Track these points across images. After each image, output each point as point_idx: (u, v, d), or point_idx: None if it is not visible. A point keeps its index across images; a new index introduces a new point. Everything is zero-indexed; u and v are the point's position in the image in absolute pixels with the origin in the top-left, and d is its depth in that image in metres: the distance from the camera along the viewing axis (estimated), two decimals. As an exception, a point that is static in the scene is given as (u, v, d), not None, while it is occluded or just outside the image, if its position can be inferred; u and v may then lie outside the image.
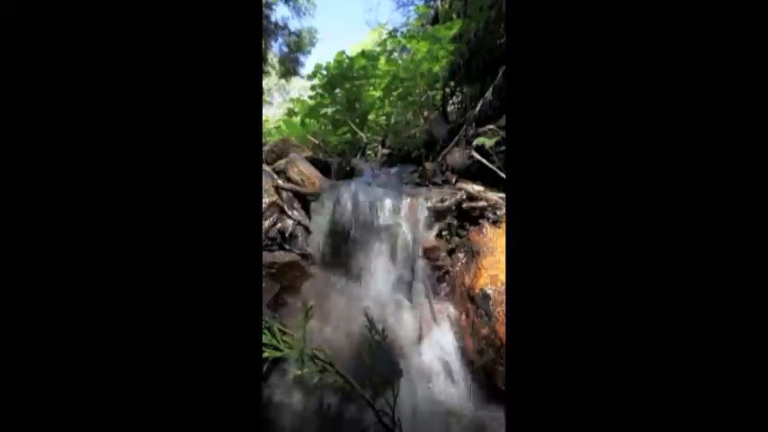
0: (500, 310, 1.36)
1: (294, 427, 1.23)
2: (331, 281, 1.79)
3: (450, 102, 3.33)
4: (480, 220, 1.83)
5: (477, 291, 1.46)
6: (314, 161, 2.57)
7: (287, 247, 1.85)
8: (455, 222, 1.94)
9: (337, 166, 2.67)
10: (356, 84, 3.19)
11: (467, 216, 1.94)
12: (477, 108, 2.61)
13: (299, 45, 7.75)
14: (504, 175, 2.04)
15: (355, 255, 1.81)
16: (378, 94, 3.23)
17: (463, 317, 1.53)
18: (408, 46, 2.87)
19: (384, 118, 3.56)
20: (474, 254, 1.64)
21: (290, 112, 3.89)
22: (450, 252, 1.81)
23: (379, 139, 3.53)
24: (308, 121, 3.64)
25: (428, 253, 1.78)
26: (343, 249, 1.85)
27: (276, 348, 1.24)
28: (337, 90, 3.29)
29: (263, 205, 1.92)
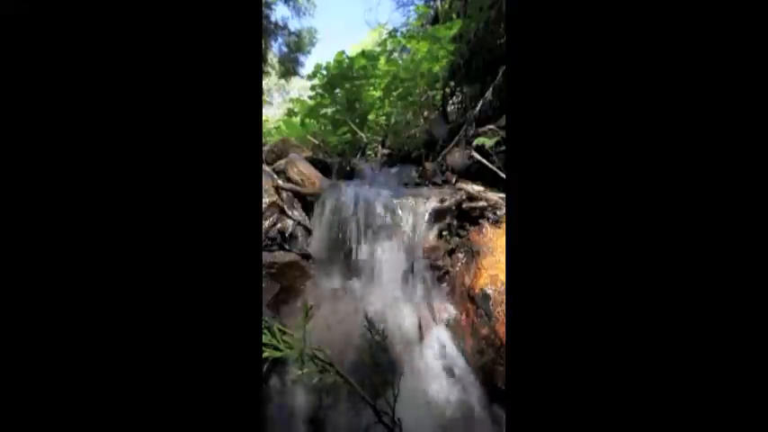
0: (500, 310, 1.36)
1: (294, 427, 1.23)
2: (331, 281, 1.79)
3: (450, 102, 3.33)
4: (480, 220, 1.83)
5: (477, 291, 1.46)
6: (314, 161, 2.57)
7: (287, 247, 1.85)
8: (455, 222, 1.94)
9: (337, 166, 2.67)
10: (356, 84, 3.19)
11: (467, 216, 1.94)
12: (477, 108, 2.61)
13: (298, 45, 7.75)
14: (504, 175, 2.04)
15: (355, 255, 1.81)
16: (378, 94, 3.23)
17: (463, 317, 1.53)
18: (408, 46, 2.87)
19: (384, 118, 3.56)
20: (474, 254, 1.64)
21: (290, 113, 3.90)
22: (451, 252, 1.81)
23: (379, 139, 3.53)
24: (307, 121, 3.64)
25: (428, 253, 1.78)
26: (343, 250, 1.85)
27: (276, 348, 1.24)
28: (337, 90, 3.29)
29: (263, 205, 1.92)
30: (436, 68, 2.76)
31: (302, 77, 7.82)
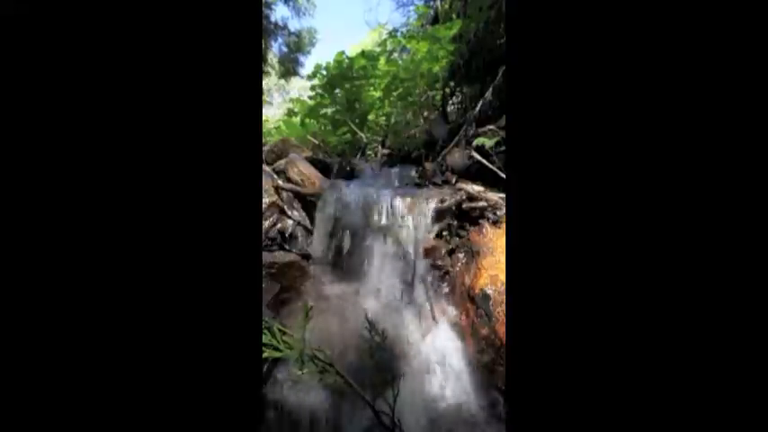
0: (500, 310, 1.36)
1: (294, 427, 1.23)
2: (331, 281, 1.79)
3: (450, 102, 3.33)
4: (480, 221, 1.83)
5: (477, 291, 1.46)
6: (314, 161, 2.57)
7: (287, 247, 1.85)
8: (455, 223, 1.94)
9: (337, 166, 2.67)
10: (356, 84, 3.19)
11: (467, 216, 1.94)
12: (477, 108, 2.61)
13: (298, 45, 7.75)
14: (504, 175, 2.04)
15: (355, 255, 1.81)
16: (378, 94, 3.24)
17: (463, 317, 1.53)
18: (408, 46, 2.87)
19: (384, 118, 3.56)
20: (474, 254, 1.64)
21: (290, 113, 3.90)
22: (451, 252, 1.81)
23: (379, 139, 3.53)
24: (307, 121, 3.64)
25: (428, 253, 1.78)
26: (343, 250, 1.85)
27: (276, 349, 1.24)
28: (337, 90, 3.29)
29: (263, 205, 1.92)
30: (436, 69, 2.76)
31: (302, 77, 7.82)
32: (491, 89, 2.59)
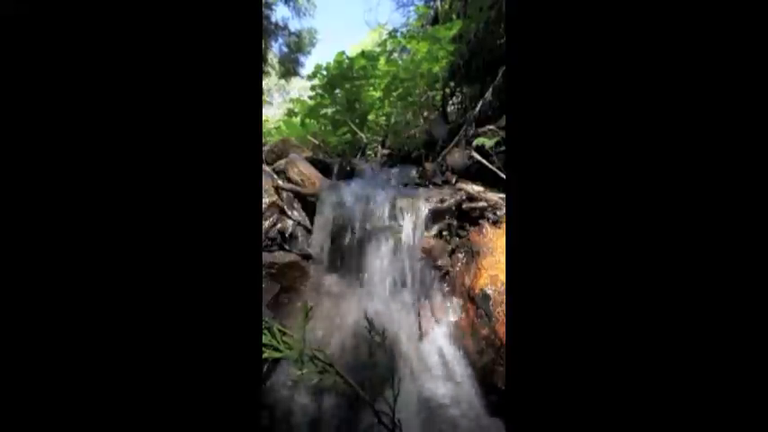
0: (500, 310, 1.36)
1: (294, 428, 1.23)
2: (331, 281, 1.79)
3: (450, 102, 3.33)
4: (480, 221, 1.83)
5: (477, 291, 1.46)
6: (314, 161, 2.57)
7: (287, 247, 1.84)
8: (455, 223, 1.94)
9: (337, 166, 2.67)
10: (356, 84, 3.19)
11: (467, 216, 1.94)
12: (477, 108, 2.61)
13: (299, 45, 7.75)
14: (504, 176, 2.04)
15: (355, 255, 1.81)
16: (378, 94, 3.23)
17: (463, 317, 1.53)
18: (408, 46, 2.87)
19: (384, 118, 3.56)
20: (474, 254, 1.64)
21: (290, 113, 3.89)
22: (451, 252, 1.81)
23: (379, 139, 3.53)
24: (308, 121, 3.64)
25: (428, 253, 1.78)
26: (343, 250, 1.85)
27: (276, 349, 1.24)
28: (337, 90, 3.29)
29: (263, 205, 1.92)
30: (436, 69, 2.76)
31: (302, 77, 7.82)
32: (491, 89, 2.59)
